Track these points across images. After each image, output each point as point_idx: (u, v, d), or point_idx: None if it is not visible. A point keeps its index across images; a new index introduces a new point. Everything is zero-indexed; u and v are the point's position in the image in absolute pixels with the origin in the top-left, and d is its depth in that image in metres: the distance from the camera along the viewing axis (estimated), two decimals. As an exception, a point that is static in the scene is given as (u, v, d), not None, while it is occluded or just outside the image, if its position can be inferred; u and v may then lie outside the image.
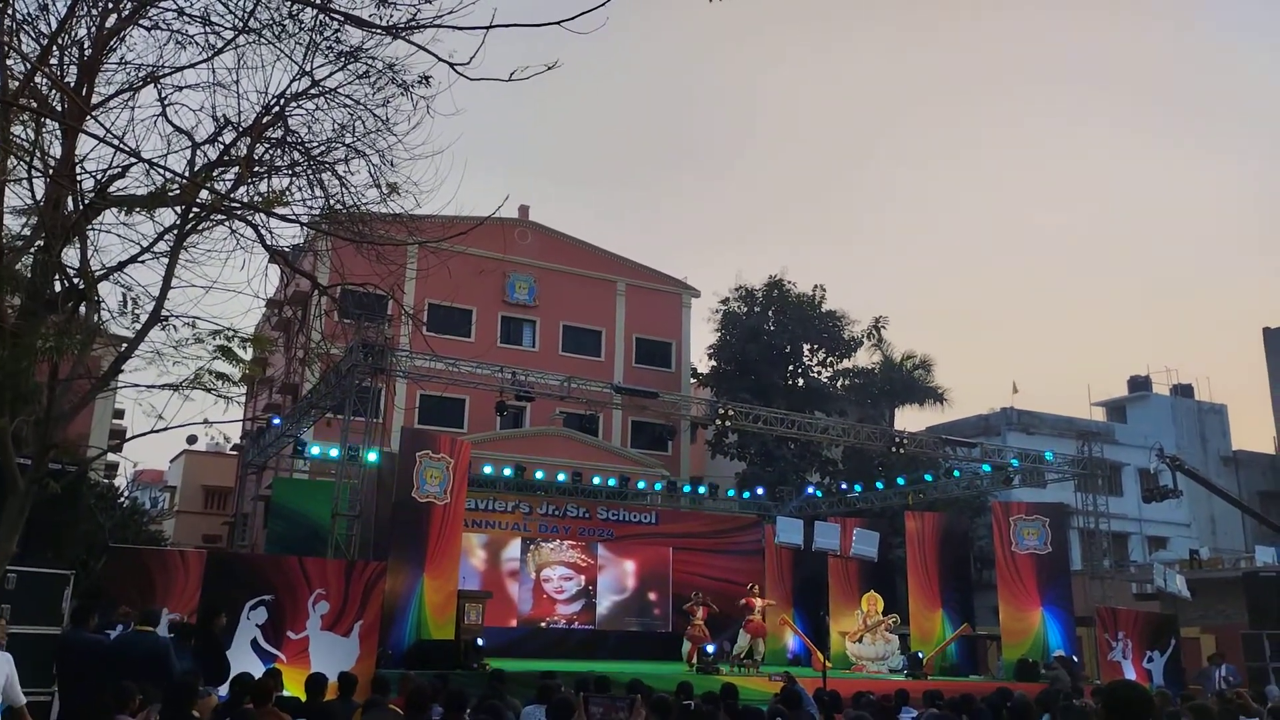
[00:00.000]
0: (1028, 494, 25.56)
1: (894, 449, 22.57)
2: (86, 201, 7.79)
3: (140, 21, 7.75)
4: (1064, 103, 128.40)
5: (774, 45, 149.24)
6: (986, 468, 24.28)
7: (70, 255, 8.06)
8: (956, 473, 25.97)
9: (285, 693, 8.83)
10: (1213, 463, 40.19)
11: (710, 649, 19.50)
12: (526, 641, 23.32)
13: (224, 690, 8.33)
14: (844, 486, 28.22)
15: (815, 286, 36.41)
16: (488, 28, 4.56)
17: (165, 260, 8.32)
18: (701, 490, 28.63)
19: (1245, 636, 22.96)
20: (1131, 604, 24.79)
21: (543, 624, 24.54)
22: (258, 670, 9.63)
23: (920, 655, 20.35)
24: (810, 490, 29.49)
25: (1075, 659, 19.77)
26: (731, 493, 29.94)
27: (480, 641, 16.58)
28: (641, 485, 27.57)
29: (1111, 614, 19.28)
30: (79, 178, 7.76)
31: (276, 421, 23.59)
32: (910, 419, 37.23)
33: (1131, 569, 30.58)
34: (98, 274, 8.10)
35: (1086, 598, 21.83)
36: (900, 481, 26.64)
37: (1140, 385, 43.53)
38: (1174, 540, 36.59)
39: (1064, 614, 20.81)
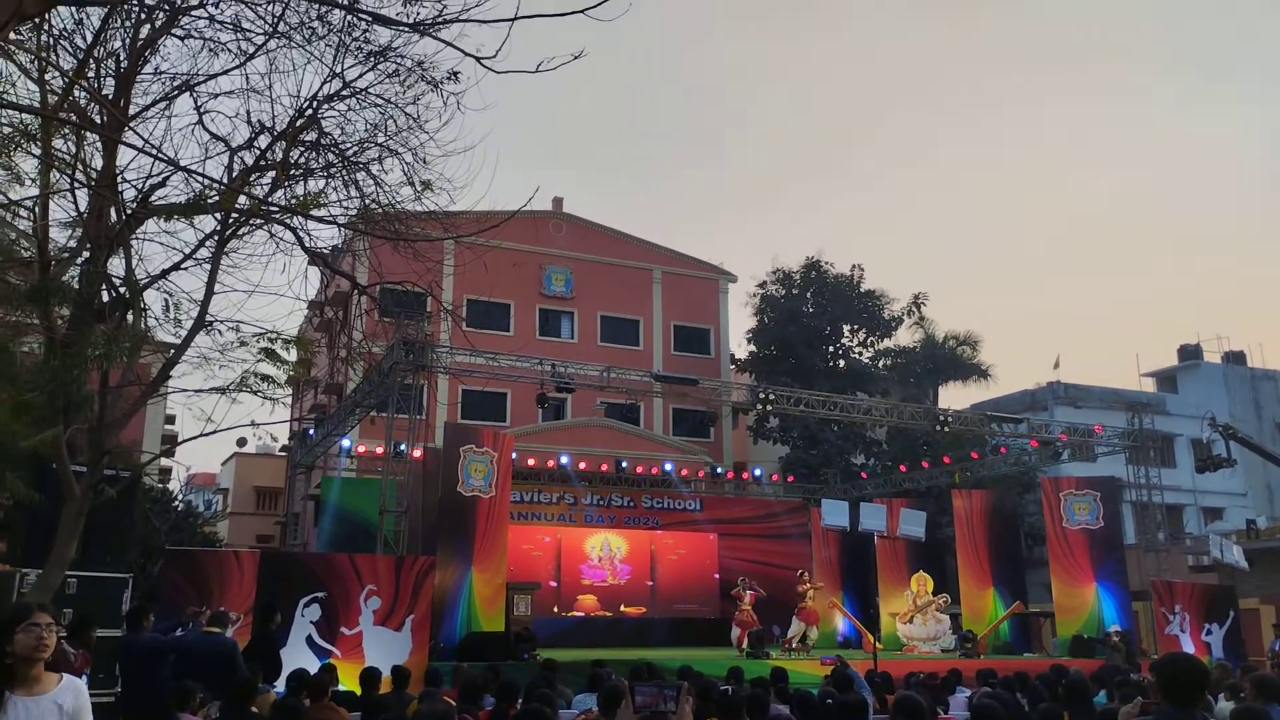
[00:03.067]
0: (1077, 468, 25.20)
1: (939, 427, 22.35)
2: (129, 211, 7.95)
3: (173, 31, 7.87)
4: (1104, 62, 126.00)
5: (789, 19, 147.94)
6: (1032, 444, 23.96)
7: (115, 265, 8.23)
8: (1003, 449, 25.67)
9: (340, 687, 8.97)
10: (1268, 430, 39.30)
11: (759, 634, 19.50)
12: (577, 631, 23.48)
13: (280, 686, 8.50)
14: (889, 467, 28.01)
15: (853, 266, 36.16)
16: (512, 20, 4.56)
17: (208, 266, 8.47)
18: (745, 476, 28.54)
19: (1307, 606, 22.43)
20: (1188, 576, 24.37)
21: (592, 613, 24.68)
22: (313, 666, 9.81)
23: (972, 634, 20.18)
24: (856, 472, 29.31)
25: (1131, 634, 19.50)
26: (775, 477, 29.86)
27: (530, 631, 16.71)
28: (685, 473, 27.59)
29: (1167, 587, 18.98)
30: (120, 188, 7.92)
31: (310, 434, 23.94)
32: (954, 396, 36.77)
33: (1187, 541, 30.03)
34: (143, 282, 8.27)
35: (1141, 571, 21.50)
36: (946, 460, 26.37)
37: (1191, 354, 42.68)
38: (1230, 510, 35.90)
39: (1118, 589, 20.52)
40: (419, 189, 8.68)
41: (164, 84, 8.18)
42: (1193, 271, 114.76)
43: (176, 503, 24.80)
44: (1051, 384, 37.05)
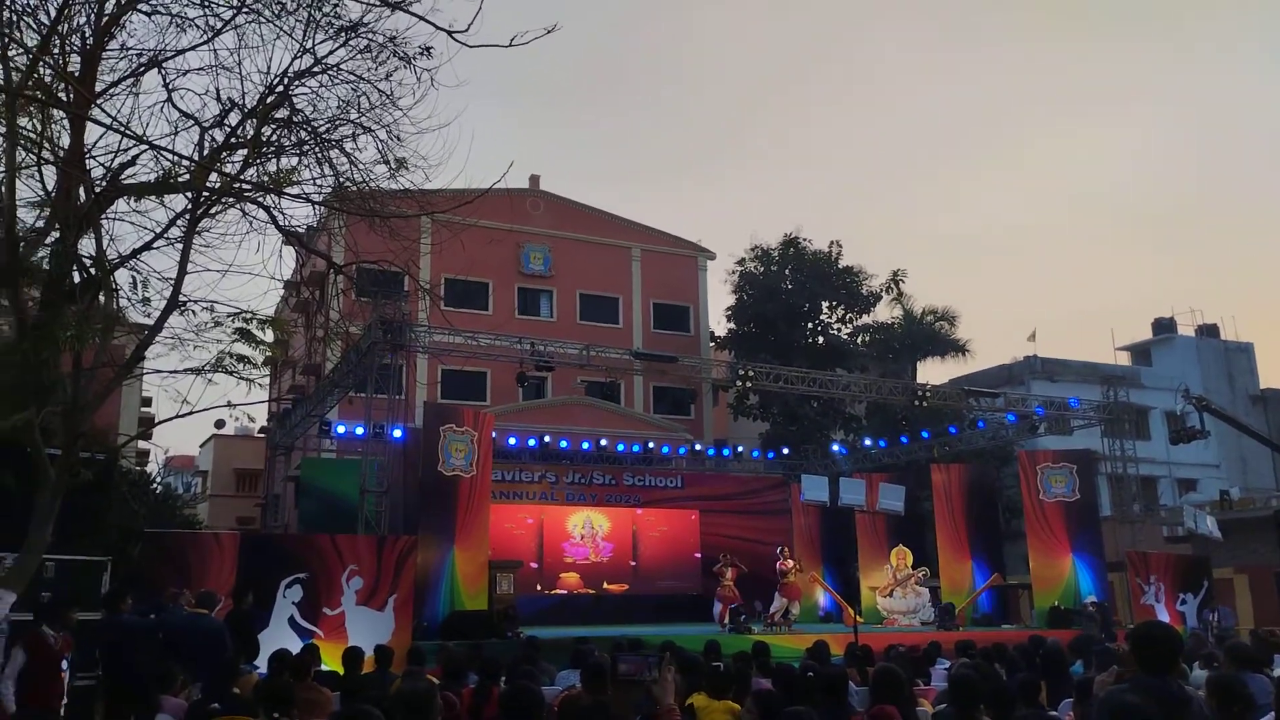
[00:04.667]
0: (1054, 442, 25.41)
1: (917, 402, 22.47)
2: (98, 190, 7.83)
3: (139, 6, 7.73)
4: (1076, 28, 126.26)
5: None
6: (1011, 417, 24.13)
7: (86, 245, 8.12)
8: (981, 423, 25.87)
9: (323, 667, 8.96)
10: (1241, 401, 39.82)
11: (742, 614, 19.59)
12: (560, 609, 23.54)
13: (263, 667, 8.48)
14: (868, 442, 28.17)
15: (831, 242, 36.11)
16: (485, -8, 4.51)
17: (180, 246, 8.37)
18: (725, 453, 28.65)
19: (1278, 575, 22.78)
20: (1163, 547, 24.69)
21: (575, 591, 24.75)
22: (295, 647, 9.76)
23: (952, 607, 20.39)
24: (835, 448, 29.48)
25: (1107, 604, 19.77)
26: (756, 454, 29.97)
27: (515, 610, 16.74)
28: (666, 450, 27.64)
29: (1143, 558, 19.23)
30: (89, 167, 7.79)
31: (289, 412, 23.78)
32: (932, 372, 37.11)
33: (1161, 513, 30.43)
34: (114, 262, 8.16)
35: (1117, 543, 21.77)
36: (925, 435, 26.54)
37: (1165, 327, 43.11)
38: (1204, 482, 36.38)
39: (1095, 560, 20.76)
40: (394, 166, 8.60)
41: (131, 61, 8.04)
42: (1168, 244, 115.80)
43: (155, 485, 24.58)
44: (1028, 358, 37.33)
